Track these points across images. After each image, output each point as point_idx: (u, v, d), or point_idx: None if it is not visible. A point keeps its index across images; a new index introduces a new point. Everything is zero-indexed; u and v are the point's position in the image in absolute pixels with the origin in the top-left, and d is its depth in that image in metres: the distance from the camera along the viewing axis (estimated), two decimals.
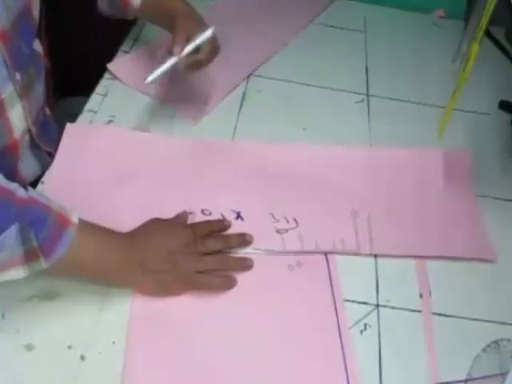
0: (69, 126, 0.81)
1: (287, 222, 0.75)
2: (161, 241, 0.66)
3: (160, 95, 0.90)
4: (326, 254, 0.72)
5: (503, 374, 0.61)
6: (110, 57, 0.95)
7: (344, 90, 0.98)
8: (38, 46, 0.77)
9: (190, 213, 0.74)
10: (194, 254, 0.66)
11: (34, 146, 0.81)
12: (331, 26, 1.12)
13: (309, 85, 0.98)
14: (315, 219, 0.76)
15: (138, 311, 0.64)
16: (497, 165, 0.88)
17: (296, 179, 0.81)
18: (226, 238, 0.71)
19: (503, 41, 0.88)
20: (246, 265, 0.69)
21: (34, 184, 0.76)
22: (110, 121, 0.85)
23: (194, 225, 0.71)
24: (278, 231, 0.74)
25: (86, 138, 0.81)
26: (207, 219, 0.73)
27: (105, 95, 0.89)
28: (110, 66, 0.92)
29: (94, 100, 0.88)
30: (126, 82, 0.91)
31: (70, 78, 0.92)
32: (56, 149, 0.79)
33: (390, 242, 0.74)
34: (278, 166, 0.82)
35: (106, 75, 0.92)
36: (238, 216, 0.75)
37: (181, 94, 0.91)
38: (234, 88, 0.94)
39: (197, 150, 0.83)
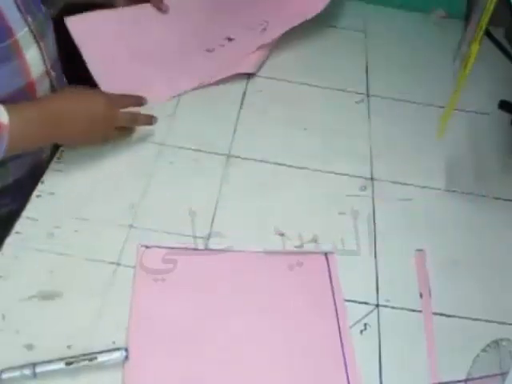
0: (69, 22, 0.89)
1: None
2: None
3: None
4: (325, 253, 0.72)
5: (503, 374, 0.61)
6: None
7: (344, 90, 0.98)
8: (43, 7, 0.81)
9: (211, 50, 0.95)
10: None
11: (54, 91, 0.83)
12: (331, 26, 1.12)
13: (309, 85, 0.98)
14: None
15: (138, 311, 0.64)
16: (497, 165, 0.88)
17: None
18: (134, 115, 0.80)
19: (503, 41, 0.88)
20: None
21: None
22: None
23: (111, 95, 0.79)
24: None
25: (90, 26, 0.91)
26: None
27: None
28: (67, 19, 0.91)
29: None
30: (77, 41, 0.90)
31: (70, 77, 0.92)
32: None
33: None
34: None
35: None
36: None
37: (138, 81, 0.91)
38: (213, 80, 0.93)
39: None
